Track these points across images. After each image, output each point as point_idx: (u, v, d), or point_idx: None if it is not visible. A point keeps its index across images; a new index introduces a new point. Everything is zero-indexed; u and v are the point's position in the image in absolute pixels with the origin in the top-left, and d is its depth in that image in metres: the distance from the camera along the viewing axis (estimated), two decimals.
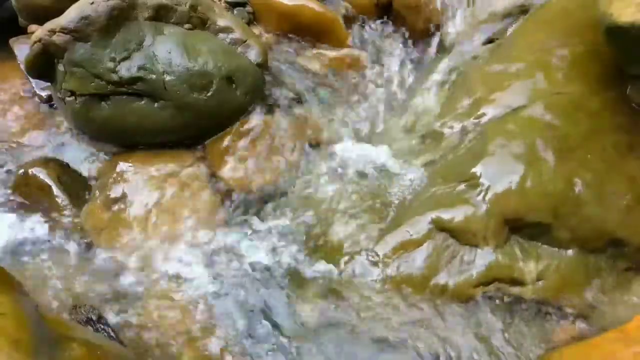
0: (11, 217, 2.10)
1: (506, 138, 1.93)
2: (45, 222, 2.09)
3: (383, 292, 1.79)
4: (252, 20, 2.70)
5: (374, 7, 2.66)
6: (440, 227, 1.84)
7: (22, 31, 2.72)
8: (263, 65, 2.39)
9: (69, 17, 2.15)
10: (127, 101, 2.20)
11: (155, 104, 2.19)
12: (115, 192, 2.14)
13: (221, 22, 2.37)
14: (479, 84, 2.14)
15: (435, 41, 2.52)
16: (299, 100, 2.41)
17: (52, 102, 2.48)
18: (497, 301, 1.77)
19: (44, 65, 2.23)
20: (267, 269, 1.91)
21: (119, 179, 2.17)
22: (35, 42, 2.18)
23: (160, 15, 2.28)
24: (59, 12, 2.22)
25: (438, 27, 2.51)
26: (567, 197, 1.82)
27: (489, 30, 2.37)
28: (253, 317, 1.77)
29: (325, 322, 1.74)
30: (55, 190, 2.12)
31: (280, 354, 1.67)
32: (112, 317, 1.75)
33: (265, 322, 1.76)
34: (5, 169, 2.29)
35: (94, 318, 1.69)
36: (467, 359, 1.64)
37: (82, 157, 2.33)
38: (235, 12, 2.67)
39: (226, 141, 2.25)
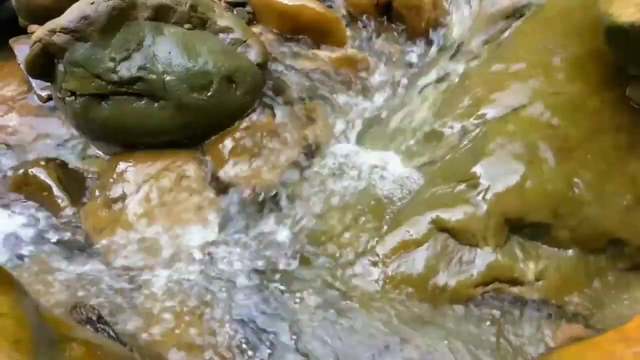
0: (11, 217, 2.11)
1: (506, 138, 1.93)
2: (45, 222, 2.10)
3: (383, 292, 1.79)
4: (252, 20, 2.70)
5: (374, 7, 2.66)
6: (440, 227, 1.84)
7: (22, 31, 2.72)
8: (263, 65, 2.39)
9: (69, 17, 2.15)
10: (127, 101, 2.20)
11: (155, 104, 2.19)
12: (115, 192, 2.14)
13: (221, 22, 2.37)
14: (479, 84, 2.14)
15: (435, 41, 2.52)
16: (298, 100, 2.41)
17: (52, 102, 2.48)
18: (497, 301, 1.77)
19: (44, 65, 2.23)
20: (267, 269, 1.91)
21: (119, 179, 2.17)
22: (35, 42, 2.18)
23: (160, 15, 2.28)
24: (59, 12, 2.22)
25: (438, 27, 2.51)
26: (567, 197, 1.82)
27: (489, 30, 2.37)
28: (252, 317, 1.77)
29: (325, 323, 1.74)
30: (55, 190, 2.12)
31: (280, 354, 1.67)
32: (112, 317, 1.75)
33: (264, 322, 1.76)
34: (5, 168, 2.29)
35: (94, 318, 1.69)
36: (467, 359, 1.64)
37: (82, 157, 2.33)
38: (235, 12, 2.67)
39: (226, 141, 2.25)
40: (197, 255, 1.97)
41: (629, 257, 1.82)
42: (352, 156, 2.20)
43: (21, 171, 2.18)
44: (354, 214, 1.98)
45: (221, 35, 2.36)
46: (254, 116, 2.31)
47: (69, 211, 2.10)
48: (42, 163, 2.20)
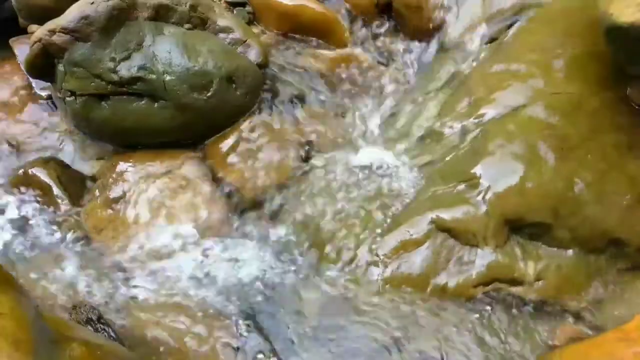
0: (11, 217, 2.10)
1: (506, 138, 1.93)
2: (45, 222, 2.10)
3: (383, 292, 1.79)
4: (252, 20, 2.70)
5: (374, 7, 2.66)
6: (440, 227, 1.84)
7: (22, 31, 2.72)
8: (263, 65, 2.39)
9: (69, 17, 2.15)
10: (127, 101, 2.20)
11: (155, 104, 2.19)
12: (115, 192, 2.14)
13: (221, 22, 2.37)
14: (479, 84, 2.14)
15: (435, 41, 2.52)
16: (299, 100, 2.41)
17: (52, 102, 2.48)
18: (497, 301, 1.77)
19: (44, 65, 2.24)
20: (267, 269, 1.91)
21: (119, 179, 2.17)
22: (35, 42, 2.19)
23: (160, 15, 2.28)
24: (59, 12, 2.23)
25: (438, 27, 2.51)
26: (567, 197, 1.82)
27: (489, 30, 2.37)
28: (254, 317, 1.77)
29: (325, 322, 1.74)
30: (55, 190, 2.12)
31: (281, 354, 1.67)
32: (112, 317, 1.75)
33: (265, 322, 1.76)
34: (5, 168, 2.29)
35: (94, 318, 1.69)
36: (467, 359, 1.64)
37: (82, 157, 2.33)
38: (235, 12, 2.67)
39: (226, 141, 2.25)
40: (197, 255, 1.97)
41: (629, 257, 1.83)
42: (352, 156, 2.20)
43: (21, 171, 2.18)
44: (354, 214, 1.98)
45: (221, 35, 2.37)
46: (254, 116, 2.31)
47: (68, 211, 2.10)
48: (42, 163, 2.20)
